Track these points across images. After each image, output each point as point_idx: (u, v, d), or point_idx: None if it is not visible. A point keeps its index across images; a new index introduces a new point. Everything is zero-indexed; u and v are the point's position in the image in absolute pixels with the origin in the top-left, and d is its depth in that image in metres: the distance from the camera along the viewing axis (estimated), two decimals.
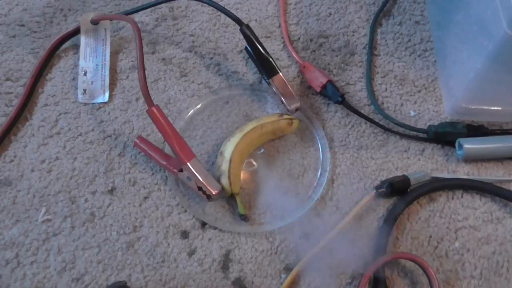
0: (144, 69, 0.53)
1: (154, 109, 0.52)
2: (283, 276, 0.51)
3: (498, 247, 0.53)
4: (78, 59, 0.62)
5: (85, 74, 0.61)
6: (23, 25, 0.64)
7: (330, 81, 0.59)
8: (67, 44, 0.63)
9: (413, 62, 0.63)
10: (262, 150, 0.57)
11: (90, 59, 0.62)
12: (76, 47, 0.63)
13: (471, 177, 0.56)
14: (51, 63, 0.62)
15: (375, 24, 0.66)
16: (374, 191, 0.54)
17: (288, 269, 0.51)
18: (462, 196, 0.55)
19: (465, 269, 0.52)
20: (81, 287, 0.50)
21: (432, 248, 0.53)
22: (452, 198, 0.55)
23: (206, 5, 0.64)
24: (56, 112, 0.59)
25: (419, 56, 0.64)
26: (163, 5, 0.66)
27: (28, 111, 0.59)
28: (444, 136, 0.57)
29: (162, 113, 0.52)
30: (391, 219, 0.53)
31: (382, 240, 0.52)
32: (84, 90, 0.60)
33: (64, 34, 0.62)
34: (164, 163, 0.54)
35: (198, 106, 0.60)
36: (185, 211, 0.54)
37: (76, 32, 0.63)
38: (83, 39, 0.62)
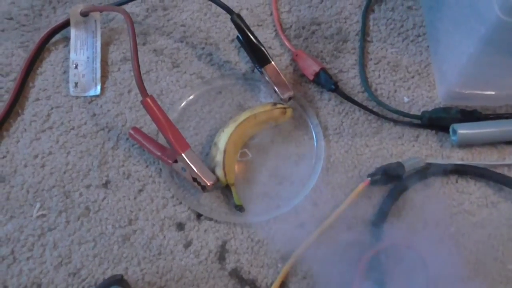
0: (138, 59, 0.53)
1: (149, 100, 0.52)
2: (279, 265, 0.51)
3: (493, 231, 0.53)
4: (69, 52, 0.61)
5: (76, 67, 0.60)
6: (11, 19, 0.64)
7: (323, 69, 0.59)
8: (57, 37, 0.62)
9: (406, 48, 0.63)
10: (256, 139, 0.57)
11: (81, 51, 0.61)
12: (66, 39, 0.62)
13: (465, 162, 0.56)
14: (41, 56, 0.61)
15: (367, 10, 0.65)
16: (369, 178, 0.54)
17: (284, 259, 0.51)
18: (456, 182, 0.55)
19: (460, 254, 0.52)
20: (78, 281, 0.50)
21: (428, 233, 0.53)
22: (447, 183, 0.55)
23: None
24: (48, 106, 0.59)
25: (412, 41, 0.63)
26: None
27: (20, 106, 0.59)
28: (438, 121, 0.57)
29: (156, 104, 0.52)
30: (387, 206, 0.53)
31: (378, 227, 0.52)
32: (76, 83, 0.60)
33: (54, 27, 0.62)
34: (159, 154, 0.54)
35: (191, 97, 0.59)
36: (180, 203, 0.54)
37: (65, 24, 0.62)
38: (73, 32, 0.61)
